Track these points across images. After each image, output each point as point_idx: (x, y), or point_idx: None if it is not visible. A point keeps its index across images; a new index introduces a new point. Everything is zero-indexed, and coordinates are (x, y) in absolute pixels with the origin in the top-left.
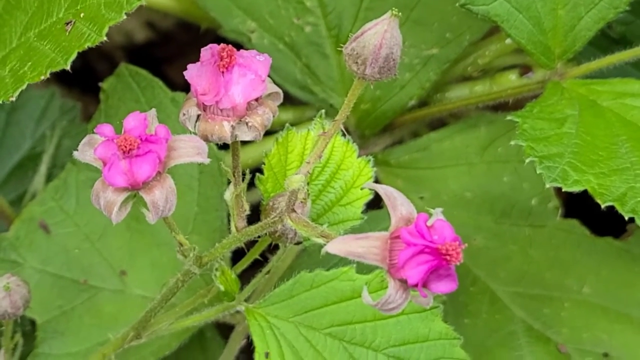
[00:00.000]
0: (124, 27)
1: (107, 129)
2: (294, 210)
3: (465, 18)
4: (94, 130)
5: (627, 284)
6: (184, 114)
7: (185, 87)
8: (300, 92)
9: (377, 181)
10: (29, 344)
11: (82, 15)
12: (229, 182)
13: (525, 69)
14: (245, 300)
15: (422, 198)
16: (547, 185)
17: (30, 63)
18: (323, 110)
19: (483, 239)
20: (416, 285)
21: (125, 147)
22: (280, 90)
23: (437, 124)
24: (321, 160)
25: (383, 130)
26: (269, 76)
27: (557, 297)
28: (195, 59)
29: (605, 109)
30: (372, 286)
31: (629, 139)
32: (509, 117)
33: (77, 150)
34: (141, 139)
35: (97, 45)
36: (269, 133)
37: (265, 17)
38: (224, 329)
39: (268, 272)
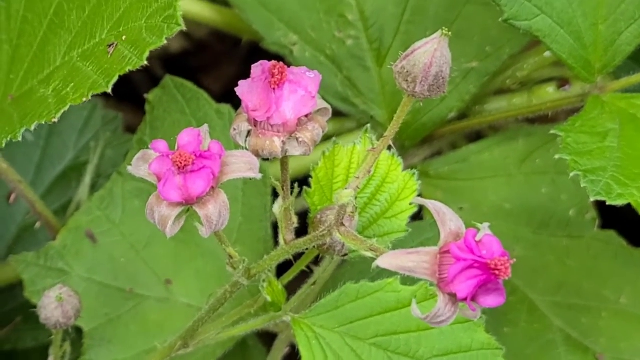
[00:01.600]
0: None
1: (161, 145)
2: (342, 224)
3: (505, 32)
4: (149, 146)
5: None
6: (235, 129)
7: (221, 97)
8: (341, 104)
9: (420, 194)
10: (75, 352)
11: (124, 37)
12: (273, 193)
13: (562, 82)
14: (291, 311)
15: (462, 209)
16: (592, 199)
17: (73, 84)
18: (368, 125)
19: (522, 249)
20: (465, 299)
21: (181, 163)
22: (329, 106)
23: (475, 136)
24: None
25: (422, 142)
26: None
27: (594, 307)
28: (230, 68)
29: None
30: (417, 297)
31: None
32: (552, 131)
33: (131, 165)
34: (195, 155)
35: None
36: None
37: (307, 31)
38: (265, 338)
39: (314, 283)
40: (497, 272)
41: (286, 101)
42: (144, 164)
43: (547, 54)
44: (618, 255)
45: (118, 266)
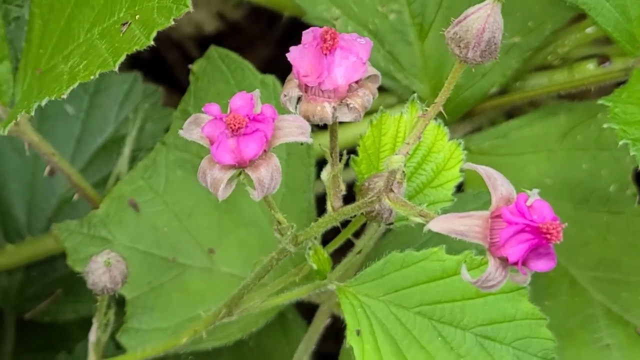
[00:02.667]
0: (194, 18)
1: (214, 108)
2: (392, 190)
3: (548, 7)
4: (202, 109)
5: None
6: (285, 95)
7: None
8: (383, 78)
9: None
10: (117, 321)
11: (137, 17)
12: (317, 164)
13: (603, 59)
14: (335, 280)
15: None
16: None
17: (85, 62)
18: (415, 94)
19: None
20: (516, 264)
21: (234, 125)
22: (379, 73)
23: (514, 112)
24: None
25: (463, 118)
26: None
27: (634, 282)
28: (265, 50)
29: None
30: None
31: None
32: (600, 101)
33: (182, 129)
34: (249, 118)
35: (168, 35)
36: None
37: (350, 5)
38: (305, 310)
39: (359, 252)
40: (548, 235)
41: (337, 67)
42: (196, 127)
43: (589, 30)
44: None
45: (161, 235)
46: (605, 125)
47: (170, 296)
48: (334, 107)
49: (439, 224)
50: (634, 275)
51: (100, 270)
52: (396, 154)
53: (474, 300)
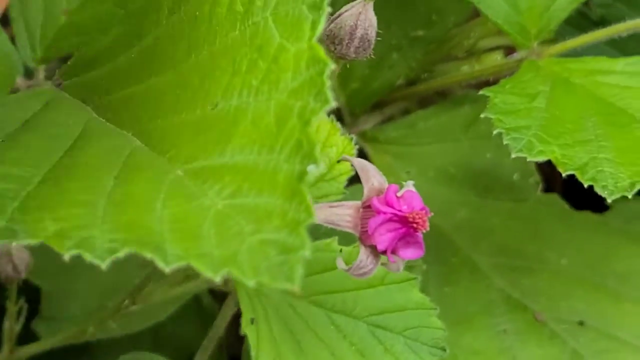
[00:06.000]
0: None
1: None
2: None
3: (450, 1)
4: None
5: (603, 256)
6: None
7: None
8: None
9: (363, 156)
10: (33, 310)
11: None
12: None
13: (510, 50)
14: None
15: (409, 173)
16: (513, 156)
17: None
18: None
19: (466, 212)
20: (385, 252)
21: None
22: None
23: (427, 102)
24: None
25: (374, 108)
26: None
27: (536, 268)
28: None
29: (576, 85)
30: (353, 256)
31: (596, 113)
32: (481, 92)
33: None
34: None
35: None
36: None
37: None
38: (221, 297)
39: None
40: (415, 225)
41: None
42: None
43: None
44: (560, 219)
45: None
46: (482, 115)
47: (83, 285)
48: None
49: None
50: (535, 262)
51: (3, 259)
52: None
53: (366, 290)
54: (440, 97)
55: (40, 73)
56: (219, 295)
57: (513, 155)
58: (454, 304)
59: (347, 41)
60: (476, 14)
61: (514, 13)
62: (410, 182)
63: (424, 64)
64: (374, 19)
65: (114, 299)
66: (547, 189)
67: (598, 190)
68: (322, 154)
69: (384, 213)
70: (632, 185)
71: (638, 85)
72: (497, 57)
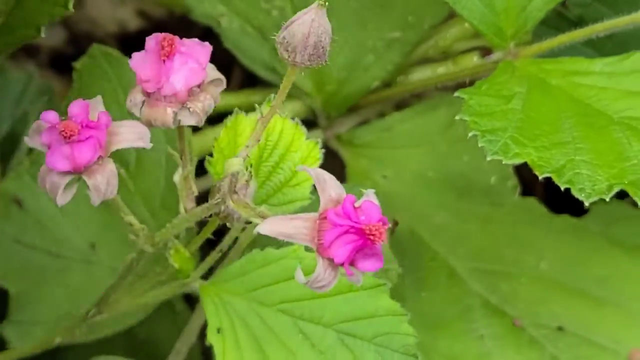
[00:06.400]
0: (117, 16)
1: (51, 115)
2: (235, 192)
3: (426, 2)
4: (40, 117)
5: (582, 260)
6: (130, 101)
7: None
8: (269, 74)
9: (338, 159)
10: (1, 314)
11: None
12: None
13: (486, 52)
14: (204, 279)
15: (385, 177)
16: (488, 158)
17: None
18: (272, 95)
19: (443, 216)
20: (342, 264)
21: (66, 132)
22: (222, 77)
23: (404, 104)
24: (271, 142)
25: (349, 111)
26: (238, 60)
27: (514, 273)
28: None
29: (553, 86)
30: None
31: (573, 114)
32: (456, 94)
33: (28, 136)
34: (82, 125)
35: (90, 35)
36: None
37: (235, 2)
38: (195, 302)
39: (221, 250)
40: (372, 237)
41: (176, 72)
42: (38, 135)
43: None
44: (538, 222)
45: (45, 229)
46: (457, 117)
47: (53, 290)
48: (174, 111)
49: (267, 227)
50: (513, 267)
51: None
52: (237, 156)
53: (334, 297)
54: (417, 99)
55: None
56: (193, 300)
57: (488, 158)
58: (431, 309)
59: (300, 49)
60: (452, 15)
61: (490, 14)
62: (371, 191)
63: (400, 66)
64: (327, 26)
65: (84, 305)
66: (527, 192)
67: (575, 193)
68: (286, 159)
69: (341, 225)
70: (610, 187)
71: (615, 87)
72: (473, 59)
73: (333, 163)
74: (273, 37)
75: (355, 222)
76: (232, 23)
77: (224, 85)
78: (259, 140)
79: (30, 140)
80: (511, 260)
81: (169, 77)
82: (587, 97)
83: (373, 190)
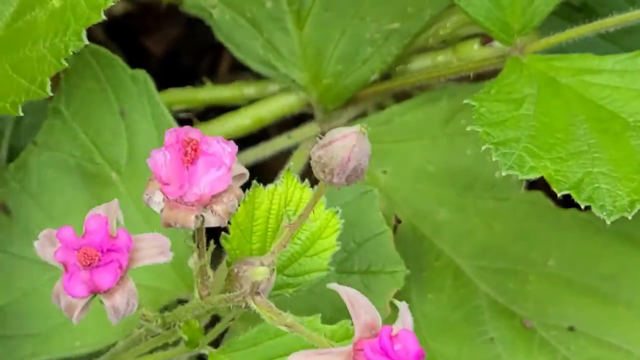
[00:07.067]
0: None
1: (67, 233)
2: (258, 294)
3: None
4: (55, 235)
5: (592, 256)
6: (147, 195)
7: (163, 58)
8: (262, 67)
9: None
10: None
11: None
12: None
13: (486, 38)
14: (212, 344)
15: (385, 172)
16: (504, 174)
17: None
18: (291, 163)
19: (446, 212)
20: None
21: (86, 261)
22: (246, 171)
23: (402, 95)
24: (289, 211)
25: (347, 104)
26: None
27: (521, 271)
28: (172, 30)
29: (563, 86)
30: (337, 336)
31: (587, 119)
32: (465, 101)
33: (38, 241)
34: (102, 250)
35: None
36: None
37: None
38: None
39: (232, 319)
40: None
41: (201, 178)
42: (51, 245)
43: None
44: (545, 217)
45: (34, 238)
46: (468, 128)
47: (42, 300)
48: (196, 216)
49: None
50: (520, 264)
51: None
52: (262, 264)
53: None
54: (417, 90)
55: None
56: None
57: (504, 174)
58: (437, 312)
59: (338, 171)
60: (453, 2)
61: (495, 9)
62: (405, 306)
63: (398, 58)
64: (368, 148)
65: None
66: (531, 185)
67: (596, 211)
68: (304, 229)
69: None
70: (632, 204)
71: (629, 86)
72: (473, 46)
73: None
74: (267, 30)
75: (394, 359)
76: (224, 15)
77: (247, 179)
78: (285, 247)
79: (40, 250)
80: (518, 257)
81: (193, 183)
82: (600, 98)
83: (407, 305)
